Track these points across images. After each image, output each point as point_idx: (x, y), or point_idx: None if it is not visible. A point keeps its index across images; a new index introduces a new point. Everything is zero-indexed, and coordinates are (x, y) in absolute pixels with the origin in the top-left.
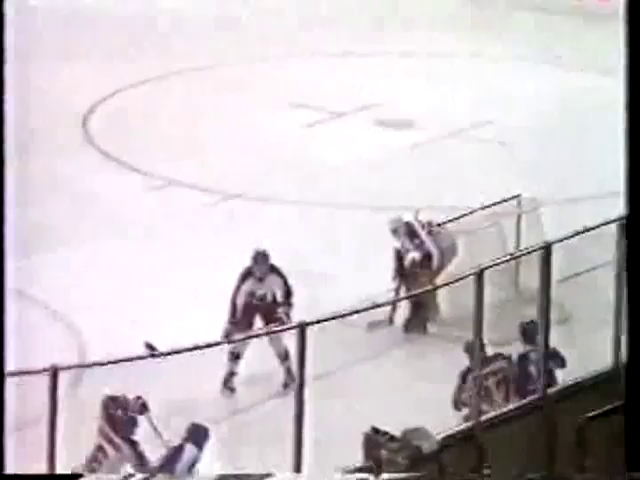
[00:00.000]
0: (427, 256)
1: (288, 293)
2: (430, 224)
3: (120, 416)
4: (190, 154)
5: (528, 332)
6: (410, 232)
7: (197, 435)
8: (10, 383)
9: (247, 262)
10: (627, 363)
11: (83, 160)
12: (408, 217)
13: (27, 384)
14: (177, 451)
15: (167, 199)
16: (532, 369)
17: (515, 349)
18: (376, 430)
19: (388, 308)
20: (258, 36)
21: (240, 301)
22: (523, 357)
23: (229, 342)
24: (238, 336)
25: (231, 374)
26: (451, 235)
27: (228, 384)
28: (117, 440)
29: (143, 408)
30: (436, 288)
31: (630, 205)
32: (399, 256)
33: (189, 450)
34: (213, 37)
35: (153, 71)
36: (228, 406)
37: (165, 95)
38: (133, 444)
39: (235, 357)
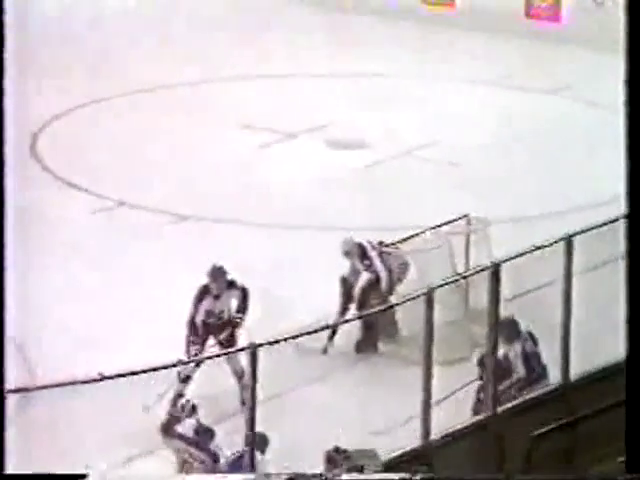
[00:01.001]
0: (376, 278)
1: (244, 299)
2: (381, 244)
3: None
4: (140, 175)
5: (507, 331)
6: (362, 254)
7: (259, 443)
8: None
9: (198, 283)
10: (627, 363)
11: (31, 180)
12: (360, 239)
13: None
14: (242, 457)
15: (117, 220)
16: (534, 363)
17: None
18: (337, 449)
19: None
20: (208, 57)
21: (199, 320)
22: (525, 356)
23: (180, 364)
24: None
25: (179, 395)
26: (402, 255)
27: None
28: (198, 454)
29: (192, 410)
30: (383, 309)
31: (630, 205)
32: (345, 284)
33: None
34: (163, 58)
35: (104, 91)
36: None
37: (116, 115)
38: (214, 455)
39: (185, 379)
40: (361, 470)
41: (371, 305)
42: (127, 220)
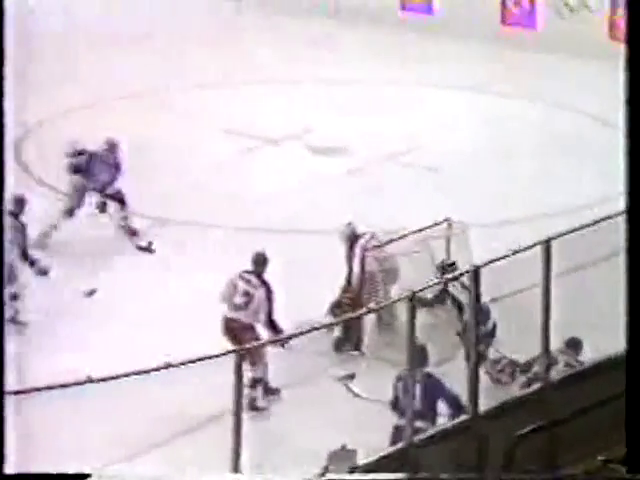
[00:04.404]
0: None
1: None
2: (376, 247)
3: None
4: (126, 180)
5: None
6: (351, 245)
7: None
8: None
9: (187, 286)
10: (627, 363)
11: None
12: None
13: None
14: None
15: (103, 224)
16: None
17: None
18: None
19: None
20: (194, 63)
21: None
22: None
23: (165, 368)
24: None
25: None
26: (393, 259)
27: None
28: None
29: None
30: (363, 313)
31: (630, 207)
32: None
33: None
34: (149, 64)
35: (91, 96)
36: (166, 431)
37: (102, 120)
38: None
39: None
40: (326, 470)
41: (343, 301)
42: (114, 224)
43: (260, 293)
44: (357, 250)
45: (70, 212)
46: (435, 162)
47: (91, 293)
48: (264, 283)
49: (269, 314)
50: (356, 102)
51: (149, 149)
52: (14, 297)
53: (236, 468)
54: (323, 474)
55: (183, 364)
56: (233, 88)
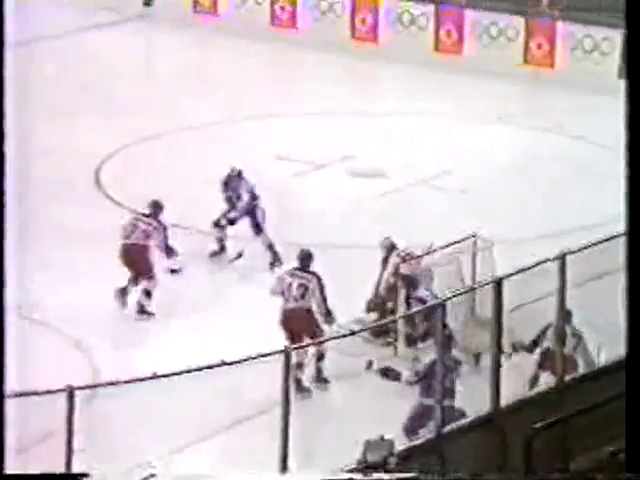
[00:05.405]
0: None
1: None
2: (410, 258)
3: None
4: (193, 203)
5: None
6: (386, 255)
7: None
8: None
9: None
10: (627, 363)
11: (97, 209)
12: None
13: (30, 404)
14: None
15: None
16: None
17: None
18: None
19: None
20: (250, 98)
21: None
22: None
23: (227, 364)
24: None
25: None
26: (427, 268)
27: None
28: None
29: None
30: (396, 319)
31: (630, 221)
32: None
33: None
34: (206, 98)
35: (156, 129)
36: (232, 419)
37: (168, 150)
38: None
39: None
40: (364, 460)
41: (370, 305)
42: (183, 241)
43: (313, 283)
44: (391, 259)
45: (232, 222)
46: (464, 185)
47: (238, 257)
48: (314, 274)
49: (324, 299)
50: (393, 132)
51: (213, 174)
52: (147, 294)
53: (284, 459)
54: (361, 463)
55: (245, 360)
56: (284, 120)
